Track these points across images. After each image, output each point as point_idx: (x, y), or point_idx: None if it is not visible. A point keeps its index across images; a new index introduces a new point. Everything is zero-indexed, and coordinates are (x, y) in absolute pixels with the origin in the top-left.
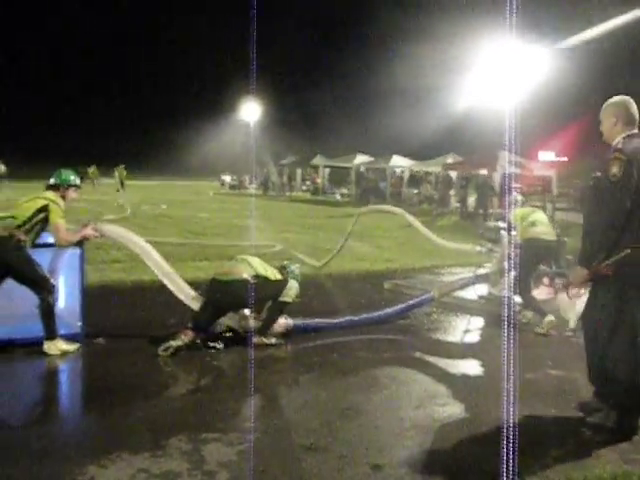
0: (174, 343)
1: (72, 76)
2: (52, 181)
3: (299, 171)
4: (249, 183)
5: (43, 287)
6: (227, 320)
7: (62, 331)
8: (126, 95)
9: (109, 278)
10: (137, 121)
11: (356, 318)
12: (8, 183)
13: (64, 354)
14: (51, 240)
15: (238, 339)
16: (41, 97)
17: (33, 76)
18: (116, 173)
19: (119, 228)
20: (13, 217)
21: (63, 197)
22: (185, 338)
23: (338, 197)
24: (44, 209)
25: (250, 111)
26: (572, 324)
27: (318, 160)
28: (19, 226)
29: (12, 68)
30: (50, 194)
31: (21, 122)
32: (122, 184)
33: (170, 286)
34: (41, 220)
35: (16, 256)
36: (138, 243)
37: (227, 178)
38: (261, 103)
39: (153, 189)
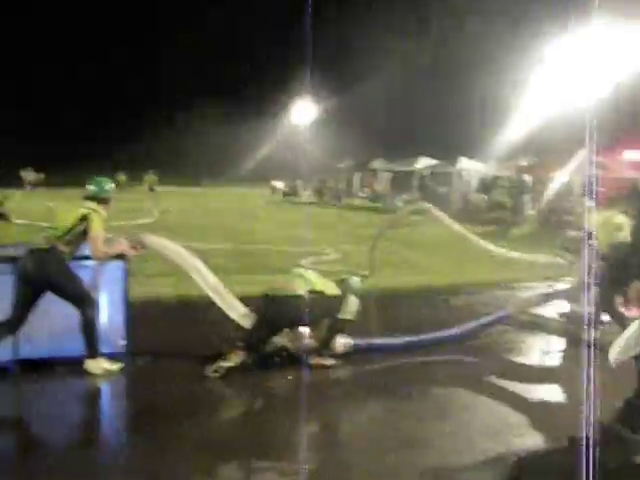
0: (224, 364)
1: (105, 75)
2: (92, 191)
3: (357, 176)
4: (302, 190)
5: (84, 302)
6: (281, 339)
7: (104, 349)
8: (165, 96)
9: (155, 293)
10: (177, 123)
11: (422, 338)
12: (44, 191)
13: (106, 374)
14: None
15: (293, 360)
16: (74, 99)
17: (67, 78)
18: (145, 179)
19: (163, 239)
20: (53, 228)
21: (103, 208)
22: (236, 358)
23: (400, 204)
24: (85, 219)
25: (303, 110)
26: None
27: (377, 163)
28: (59, 237)
29: (47, 71)
30: (91, 204)
31: (54, 127)
32: (152, 190)
33: (219, 302)
34: (82, 231)
35: (56, 269)
36: (184, 255)
37: (278, 185)
38: (315, 101)
39: (197, 197)
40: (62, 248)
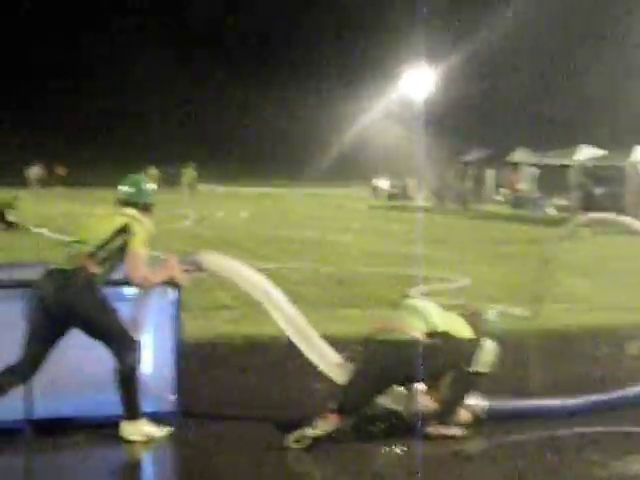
0: (311, 432)
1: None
2: (128, 193)
3: (491, 173)
4: (415, 191)
5: (122, 344)
6: (388, 400)
7: (148, 408)
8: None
9: (214, 331)
10: (235, 104)
11: (586, 400)
12: (64, 191)
13: (150, 441)
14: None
15: (403, 428)
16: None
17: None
18: (184, 173)
19: (226, 259)
20: (81, 241)
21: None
22: (326, 425)
23: (551, 211)
24: (125, 230)
25: (416, 86)
26: None
27: (519, 155)
28: (90, 254)
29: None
30: (131, 210)
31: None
32: (191, 188)
33: (301, 345)
34: (120, 246)
35: (85, 297)
36: (254, 280)
37: (383, 184)
38: (432, 75)
39: (271, 200)
40: (93, 269)
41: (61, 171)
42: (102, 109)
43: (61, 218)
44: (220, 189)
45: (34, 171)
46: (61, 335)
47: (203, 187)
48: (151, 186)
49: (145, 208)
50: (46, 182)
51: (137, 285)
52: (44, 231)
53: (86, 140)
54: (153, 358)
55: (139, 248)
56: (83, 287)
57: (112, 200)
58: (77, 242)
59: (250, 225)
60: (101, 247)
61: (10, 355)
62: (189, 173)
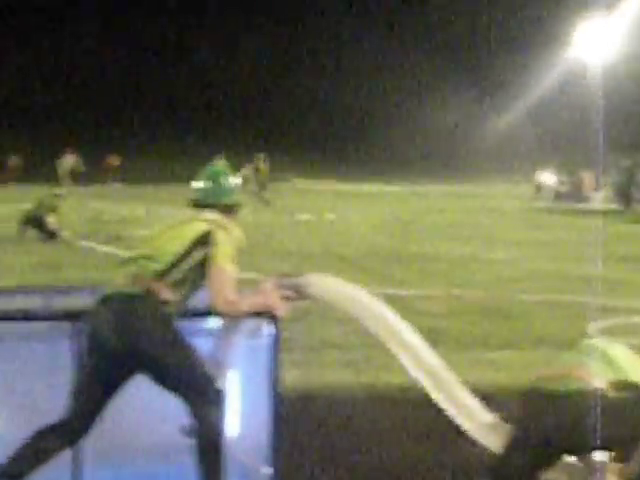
0: None
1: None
2: (207, 194)
3: None
4: (592, 189)
5: (202, 395)
6: (558, 473)
7: None
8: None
9: (322, 379)
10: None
11: None
12: (120, 187)
13: None
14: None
15: None
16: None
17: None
18: (251, 166)
19: (339, 283)
20: (146, 257)
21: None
22: None
23: None
24: (205, 240)
25: (590, 49)
26: None
27: None
28: (161, 275)
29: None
30: (213, 215)
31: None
32: (262, 186)
33: (440, 399)
34: (200, 263)
35: (154, 331)
36: (377, 313)
37: (549, 179)
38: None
39: (398, 201)
40: (165, 294)
41: (114, 160)
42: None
43: (116, 225)
44: (329, 186)
45: (67, 161)
46: (121, 382)
47: (306, 183)
48: (234, 181)
49: (228, 211)
50: (91, 176)
51: (222, 313)
52: (94, 244)
53: (144, 125)
54: (242, 415)
55: (225, 263)
56: (151, 318)
57: (182, 200)
58: (142, 258)
59: (371, 235)
60: (174, 265)
61: (54, 409)
62: (259, 162)
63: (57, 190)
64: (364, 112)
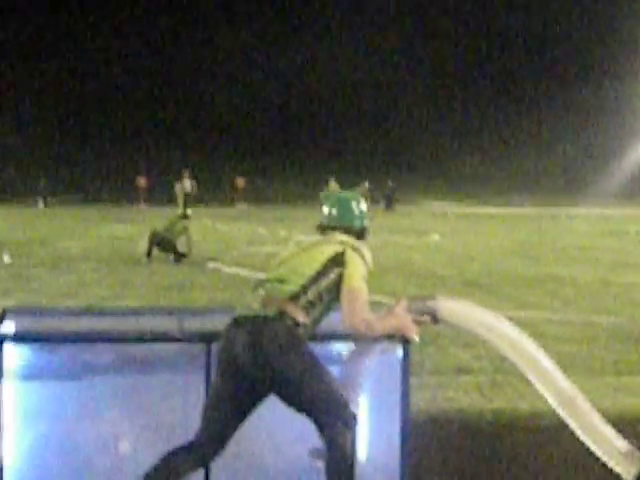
0: None
1: None
2: (336, 219)
3: None
4: None
5: (336, 418)
6: None
7: None
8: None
9: (452, 403)
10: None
11: None
12: (246, 208)
13: None
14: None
15: None
16: None
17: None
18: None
19: (469, 306)
20: (281, 279)
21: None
22: None
23: None
24: (338, 261)
25: None
26: None
27: None
28: (295, 296)
29: None
30: (345, 237)
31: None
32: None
33: (575, 426)
34: (333, 283)
35: (289, 353)
36: (509, 336)
37: None
38: None
39: (529, 223)
40: (299, 316)
41: (240, 182)
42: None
43: (242, 246)
44: (455, 208)
45: (184, 184)
46: (254, 404)
47: (433, 205)
48: (364, 206)
49: (358, 235)
50: (220, 198)
51: (357, 332)
52: (220, 265)
53: (268, 148)
54: (371, 439)
55: (359, 283)
56: (286, 339)
57: (305, 221)
58: (275, 280)
59: (499, 257)
60: (308, 286)
61: (186, 430)
62: (363, 187)
63: (185, 211)
64: (490, 136)
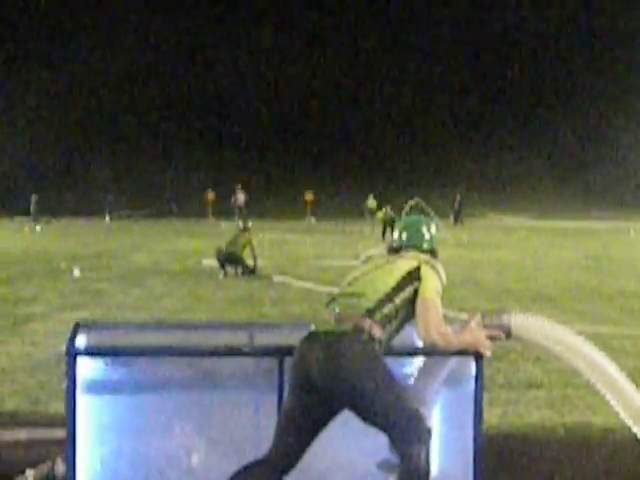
0: None
1: None
2: (407, 242)
3: None
4: None
5: (410, 431)
6: None
7: None
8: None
9: (524, 419)
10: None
11: None
12: (314, 221)
13: None
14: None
15: None
16: None
17: None
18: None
19: (543, 321)
20: (354, 294)
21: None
22: None
23: None
24: (414, 276)
25: None
26: None
27: None
28: (371, 311)
29: None
30: (418, 254)
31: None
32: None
33: None
34: (408, 299)
35: (367, 369)
36: (581, 352)
37: None
38: None
39: (603, 237)
40: (376, 332)
41: (308, 196)
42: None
43: (311, 260)
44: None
45: (239, 198)
46: (327, 419)
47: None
48: (434, 229)
49: (429, 252)
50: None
51: (431, 343)
52: (289, 279)
53: (336, 162)
54: (443, 455)
55: (434, 296)
56: (363, 355)
57: (371, 236)
58: (351, 295)
59: (568, 272)
60: (384, 302)
61: (259, 445)
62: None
63: (245, 224)
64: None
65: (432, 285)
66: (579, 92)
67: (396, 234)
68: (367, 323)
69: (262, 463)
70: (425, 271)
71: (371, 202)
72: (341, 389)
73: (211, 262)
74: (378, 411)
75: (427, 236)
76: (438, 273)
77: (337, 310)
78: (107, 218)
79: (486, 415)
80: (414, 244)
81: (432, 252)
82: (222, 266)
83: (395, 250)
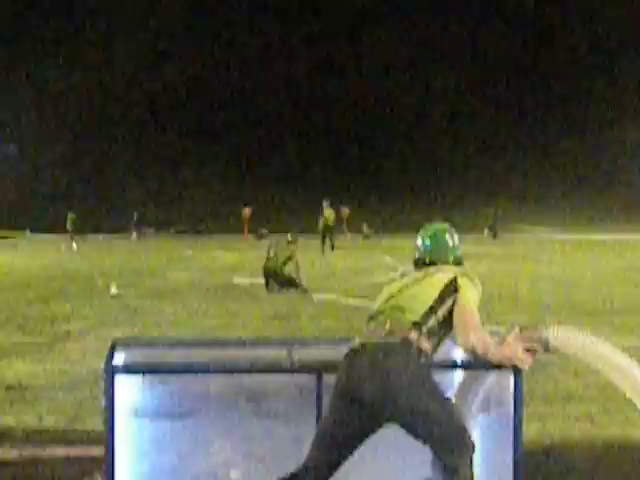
0: None
1: None
2: (431, 252)
3: None
4: None
5: (456, 445)
6: None
7: None
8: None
9: (562, 432)
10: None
11: None
12: (350, 236)
13: None
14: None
15: None
16: None
17: None
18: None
19: (581, 335)
20: (401, 309)
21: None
22: None
23: None
24: (453, 288)
25: None
26: None
27: None
28: (417, 324)
29: None
30: (452, 267)
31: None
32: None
33: None
34: (449, 310)
35: (414, 382)
36: (619, 366)
37: None
38: None
39: (629, 248)
40: (423, 345)
41: (344, 211)
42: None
43: (348, 275)
44: (559, 234)
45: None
46: (369, 433)
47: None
48: (457, 237)
49: (456, 265)
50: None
51: (471, 350)
52: (325, 294)
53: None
54: (483, 470)
55: (471, 303)
56: (411, 369)
57: (409, 250)
58: (395, 309)
59: (607, 285)
60: (428, 314)
61: (296, 460)
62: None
63: (289, 237)
64: (593, 163)
65: (469, 294)
66: (616, 104)
67: (420, 242)
68: (415, 336)
69: (299, 475)
70: (462, 281)
71: (328, 211)
72: (389, 403)
73: (244, 280)
74: (426, 424)
75: (451, 245)
76: (474, 282)
77: (383, 324)
78: (134, 235)
79: (525, 429)
80: (440, 256)
81: (458, 261)
82: (266, 282)
83: (421, 262)
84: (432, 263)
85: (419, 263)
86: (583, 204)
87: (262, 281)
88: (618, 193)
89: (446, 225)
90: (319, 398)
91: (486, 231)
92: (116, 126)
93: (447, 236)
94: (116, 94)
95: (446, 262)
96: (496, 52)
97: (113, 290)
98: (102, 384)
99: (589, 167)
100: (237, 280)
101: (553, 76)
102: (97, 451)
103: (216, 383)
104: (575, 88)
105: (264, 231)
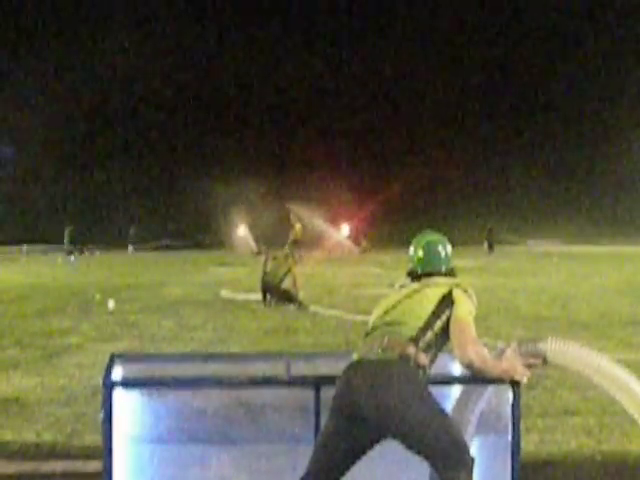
0: None
1: None
2: (424, 263)
3: None
4: None
5: (455, 460)
6: None
7: None
8: None
9: (561, 446)
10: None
11: None
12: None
13: None
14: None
15: None
16: None
17: None
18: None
19: (579, 348)
20: (398, 323)
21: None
22: None
23: None
24: (448, 301)
25: None
26: None
27: None
28: (414, 338)
29: None
30: (447, 278)
31: None
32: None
33: None
34: (445, 324)
35: (413, 397)
36: (618, 380)
37: None
38: None
39: (628, 261)
40: (421, 359)
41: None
42: None
43: (346, 289)
44: (557, 247)
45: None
46: (368, 447)
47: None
48: (449, 248)
49: (449, 275)
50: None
51: (468, 364)
52: (322, 307)
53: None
54: None
55: (467, 316)
56: (409, 383)
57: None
58: (392, 324)
59: (605, 298)
60: (425, 329)
61: (294, 474)
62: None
63: (286, 251)
64: (589, 175)
65: (465, 307)
66: (614, 118)
67: (412, 253)
68: (412, 351)
69: None
70: (457, 294)
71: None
72: (388, 417)
73: (233, 294)
74: (424, 438)
75: (443, 256)
76: (469, 294)
77: (381, 338)
78: (130, 250)
79: (523, 442)
80: (433, 267)
81: (451, 272)
82: (264, 296)
83: (415, 274)
84: (425, 274)
85: (413, 274)
86: (582, 217)
87: (252, 296)
88: (617, 206)
89: (438, 235)
90: (317, 412)
91: (485, 245)
92: (112, 140)
93: (440, 247)
94: (115, 108)
95: (439, 273)
96: (490, 67)
97: (111, 305)
98: (100, 399)
99: (588, 180)
100: (225, 294)
101: (551, 90)
102: (96, 465)
103: (214, 397)
104: (572, 101)
105: (262, 246)
